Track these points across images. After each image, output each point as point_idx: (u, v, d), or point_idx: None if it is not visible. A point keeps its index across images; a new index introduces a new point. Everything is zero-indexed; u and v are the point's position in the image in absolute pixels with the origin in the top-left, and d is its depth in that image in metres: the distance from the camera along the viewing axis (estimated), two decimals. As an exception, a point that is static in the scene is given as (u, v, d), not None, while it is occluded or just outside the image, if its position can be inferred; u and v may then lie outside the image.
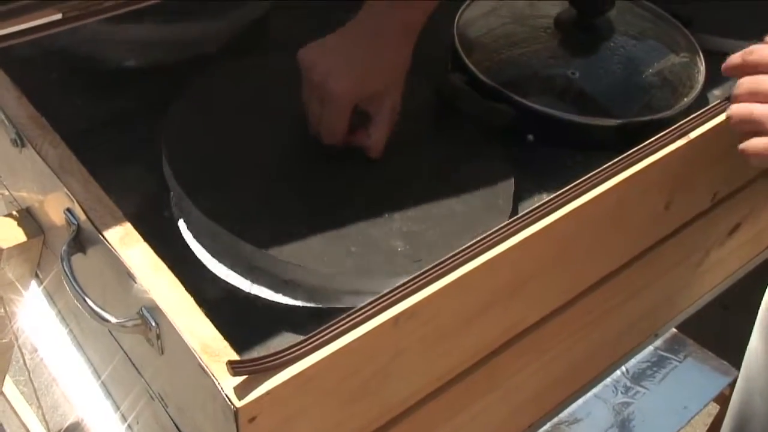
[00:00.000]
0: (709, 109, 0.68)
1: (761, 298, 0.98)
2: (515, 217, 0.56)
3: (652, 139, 0.64)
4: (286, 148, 0.71)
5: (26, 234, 0.71)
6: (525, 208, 0.70)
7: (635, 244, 0.72)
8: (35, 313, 0.82)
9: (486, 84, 0.77)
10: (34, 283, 0.78)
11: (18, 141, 0.63)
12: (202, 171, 0.66)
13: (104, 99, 0.77)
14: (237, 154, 0.69)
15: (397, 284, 0.51)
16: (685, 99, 0.78)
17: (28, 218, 0.72)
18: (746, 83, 0.63)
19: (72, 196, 0.58)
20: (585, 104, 0.77)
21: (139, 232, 0.56)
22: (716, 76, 0.83)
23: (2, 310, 0.82)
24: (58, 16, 0.71)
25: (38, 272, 0.77)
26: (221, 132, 0.71)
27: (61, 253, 0.59)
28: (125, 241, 0.55)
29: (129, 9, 0.72)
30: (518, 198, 0.72)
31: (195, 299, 0.52)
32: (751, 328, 0.98)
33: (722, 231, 0.84)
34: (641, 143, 0.65)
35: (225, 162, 0.68)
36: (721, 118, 0.67)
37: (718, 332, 1.18)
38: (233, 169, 0.68)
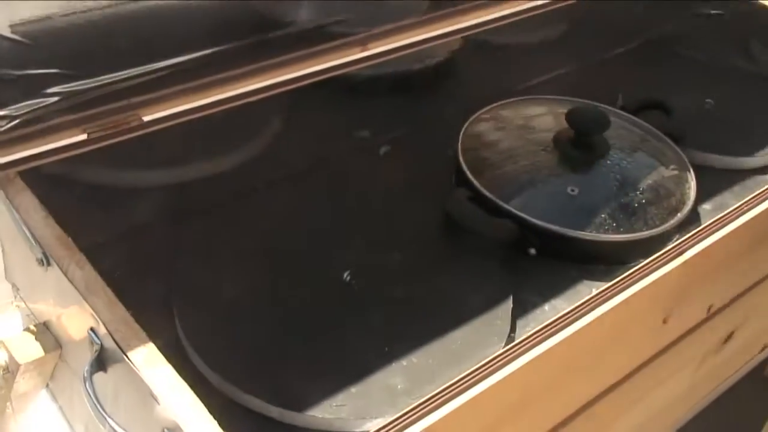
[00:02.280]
0: (702, 228, 0.72)
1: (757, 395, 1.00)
2: (508, 347, 0.59)
3: (649, 259, 0.67)
4: (288, 289, 0.73)
5: (44, 349, 0.73)
6: (528, 321, 0.73)
7: (634, 358, 0.74)
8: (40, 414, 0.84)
9: (490, 200, 0.80)
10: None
11: (44, 261, 0.66)
12: (211, 329, 0.68)
13: (124, 213, 0.80)
14: (240, 303, 0.71)
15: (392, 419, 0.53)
16: (678, 214, 0.82)
17: (46, 332, 0.74)
18: None
19: (97, 317, 0.61)
20: (584, 220, 0.80)
21: (161, 352, 0.58)
22: (706, 191, 0.88)
23: (9, 410, 0.83)
24: (84, 136, 0.74)
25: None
26: (226, 282, 0.73)
27: (84, 373, 0.61)
28: (149, 362, 0.57)
29: (155, 129, 0.76)
30: (522, 311, 0.74)
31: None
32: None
33: (717, 340, 0.86)
34: (637, 257, 0.69)
35: (230, 313, 0.70)
36: (715, 236, 0.71)
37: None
38: (238, 319, 0.70)
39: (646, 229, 0.80)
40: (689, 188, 0.86)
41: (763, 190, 0.76)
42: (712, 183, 0.91)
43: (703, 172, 0.90)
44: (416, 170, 0.89)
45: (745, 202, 0.74)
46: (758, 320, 0.92)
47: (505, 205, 0.80)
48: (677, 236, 0.81)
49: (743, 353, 0.97)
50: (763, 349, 1.01)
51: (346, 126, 0.95)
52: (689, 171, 0.88)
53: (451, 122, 0.92)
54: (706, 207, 0.88)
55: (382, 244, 0.79)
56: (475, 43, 1.04)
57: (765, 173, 0.94)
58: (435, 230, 0.82)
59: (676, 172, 0.88)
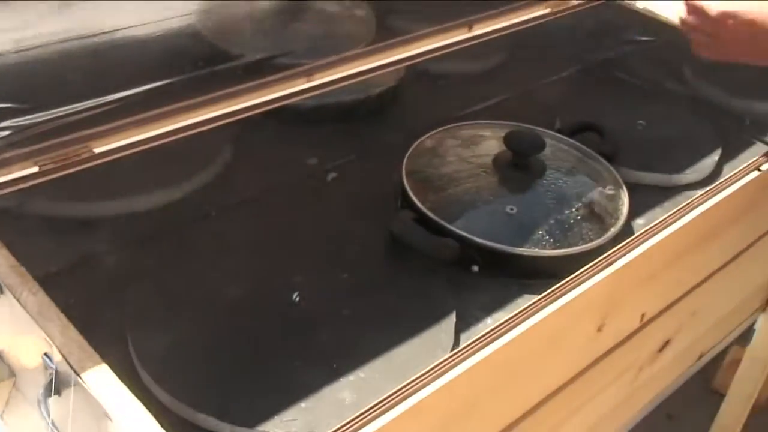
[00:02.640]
0: (631, 240, 0.76)
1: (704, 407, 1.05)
2: (449, 355, 0.62)
3: (581, 270, 0.71)
4: (239, 311, 0.76)
5: (-1, 377, 0.74)
6: (470, 335, 0.76)
7: (573, 365, 0.78)
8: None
9: (433, 221, 0.84)
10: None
11: (-2, 289, 0.68)
12: (164, 351, 0.70)
13: (76, 242, 0.82)
14: (192, 326, 0.74)
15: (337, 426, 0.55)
16: (612, 229, 0.86)
17: None
18: None
19: (50, 341, 0.62)
20: (523, 237, 0.84)
21: (115, 373, 0.60)
22: (639, 207, 0.92)
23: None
24: (35, 169, 0.76)
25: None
26: (178, 305, 0.76)
27: (39, 396, 0.62)
28: (103, 383, 0.59)
29: (106, 160, 0.78)
30: (465, 325, 0.78)
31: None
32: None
33: (653, 348, 0.90)
34: (574, 271, 0.72)
35: (182, 335, 0.72)
36: (642, 247, 0.75)
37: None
38: (190, 341, 0.72)
39: (582, 244, 0.84)
40: (622, 204, 0.90)
41: (688, 203, 0.81)
42: (645, 199, 0.96)
43: (636, 189, 0.95)
44: (363, 194, 0.93)
45: (671, 215, 0.78)
46: (692, 329, 0.96)
47: (448, 225, 0.83)
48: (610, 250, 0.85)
49: (680, 362, 1.01)
50: (699, 358, 1.06)
51: (295, 154, 0.98)
52: (622, 188, 0.93)
53: (396, 148, 0.96)
54: (639, 221, 0.93)
55: (330, 266, 0.82)
56: (418, 71, 1.08)
57: (694, 188, 0.99)
58: (381, 251, 0.85)
59: (610, 189, 0.93)
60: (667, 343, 0.92)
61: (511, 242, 0.83)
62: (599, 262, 0.72)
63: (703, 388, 1.69)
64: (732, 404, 1.33)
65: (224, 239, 0.84)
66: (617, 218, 0.88)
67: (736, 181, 0.85)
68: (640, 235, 0.75)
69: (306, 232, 0.86)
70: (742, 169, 0.86)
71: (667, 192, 0.98)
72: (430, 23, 1.06)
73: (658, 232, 0.76)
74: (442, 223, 0.84)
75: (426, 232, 0.82)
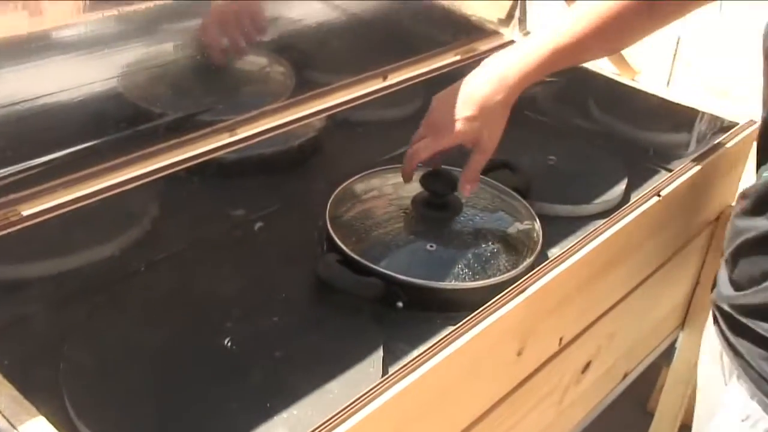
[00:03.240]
0: (542, 267, 0.81)
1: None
2: (375, 383, 0.65)
3: (495, 298, 0.76)
4: (173, 360, 0.78)
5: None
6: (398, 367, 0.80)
7: (496, 389, 0.82)
8: None
9: (357, 261, 0.88)
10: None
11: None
12: (99, 403, 0.72)
13: (8, 303, 0.83)
14: (127, 377, 0.76)
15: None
16: (527, 259, 0.91)
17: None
18: None
19: (-14, 399, 0.64)
20: (443, 272, 0.89)
21: (52, 425, 0.62)
22: (553, 237, 0.98)
23: None
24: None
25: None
26: (113, 358, 0.77)
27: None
28: (39, 436, 0.61)
29: (34, 222, 0.80)
30: (393, 358, 0.81)
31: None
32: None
33: (575, 370, 0.95)
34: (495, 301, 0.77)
35: (117, 386, 0.74)
36: (553, 273, 0.80)
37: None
38: (125, 392, 0.74)
39: (499, 275, 0.89)
40: (536, 236, 0.96)
41: (593, 231, 0.86)
42: (558, 230, 1.01)
43: (549, 221, 1.00)
44: (289, 241, 0.96)
45: (578, 242, 0.84)
46: (613, 350, 1.02)
47: (371, 265, 0.87)
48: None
49: (605, 383, 1.06)
50: (624, 377, 1.11)
51: (222, 206, 1.01)
52: (535, 221, 0.98)
53: (319, 195, 1.00)
54: (553, 250, 0.98)
55: (260, 311, 0.85)
56: (338, 121, 1.13)
57: (603, 217, 1.05)
58: (310, 294, 0.88)
59: (524, 222, 0.98)
60: (588, 364, 0.97)
61: (432, 278, 0.88)
62: (512, 289, 0.76)
63: (639, 410, 1.74)
64: (661, 424, 1.38)
65: (154, 292, 0.86)
66: (532, 249, 0.93)
67: (637, 207, 0.91)
68: (549, 262, 0.80)
69: (236, 280, 0.89)
70: (643, 196, 0.92)
71: (579, 222, 1.04)
72: (347, 75, 1.11)
73: (566, 259, 0.81)
74: (366, 263, 0.88)
75: (351, 273, 0.86)
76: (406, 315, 0.87)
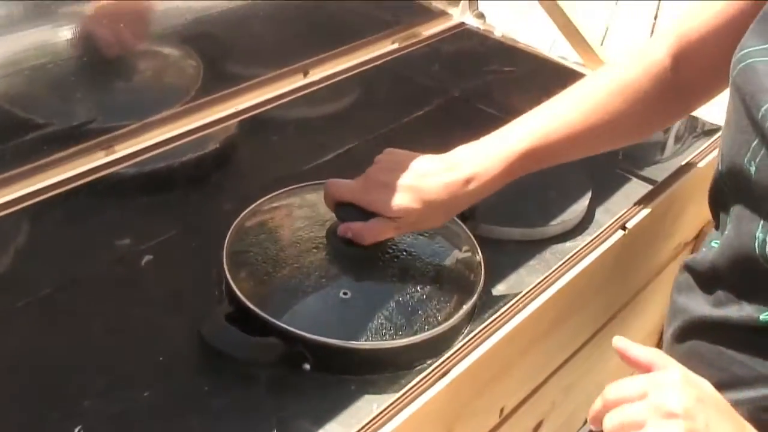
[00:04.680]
0: (479, 332, 0.65)
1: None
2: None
3: (422, 376, 0.60)
4: None
5: None
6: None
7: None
8: None
9: (255, 315, 0.71)
10: None
11: None
12: None
13: None
14: None
15: None
16: (464, 307, 0.75)
17: None
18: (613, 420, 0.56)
19: None
20: (359, 327, 0.73)
21: None
22: (498, 271, 0.81)
23: None
24: None
25: None
26: None
27: None
28: None
29: None
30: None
31: None
32: None
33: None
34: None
35: None
36: (490, 342, 0.64)
37: None
38: None
39: (428, 329, 0.73)
40: (476, 274, 0.79)
41: (543, 280, 0.70)
42: (506, 259, 0.85)
43: (496, 248, 0.84)
44: (181, 281, 0.80)
45: (522, 297, 0.68)
46: (569, 402, 0.86)
47: (271, 320, 0.71)
48: (466, 327, 0.75)
49: (562, 434, 0.91)
50: (584, 424, 0.96)
51: (104, 234, 0.84)
52: (477, 253, 0.82)
53: (224, 219, 0.84)
54: (499, 288, 0.82)
55: (130, 382, 0.69)
56: (252, 125, 0.95)
57: (561, 241, 0.89)
58: (195, 356, 0.72)
59: (463, 253, 0.82)
60: (540, 424, 0.82)
61: (345, 334, 0.71)
62: (436, 369, 0.61)
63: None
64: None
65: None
66: (470, 291, 0.77)
67: (598, 245, 0.75)
68: (485, 327, 0.64)
69: (106, 337, 0.73)
70: (605, 230, 0.76)
71: (532, 247, 0.88)
72: (259, 71, 0.94)
73: (506, 322, 0.65)
74: (265, 316, 0.71)
75: (243, 336, 0.69)
76: (312, 379, 0.71)
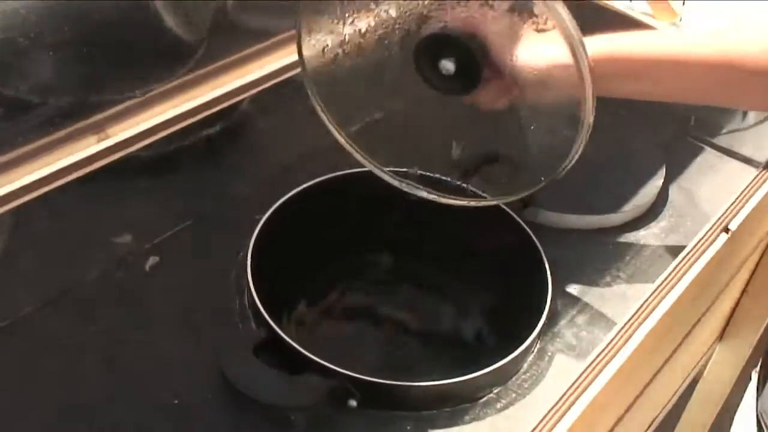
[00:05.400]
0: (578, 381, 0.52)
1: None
2: None
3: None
4: None
5: None
6: None
7: None
8: None
9: (289, 347, 0.59)
10: None
11: None
12: None
13: None
14: None
15: None
16: (533, 331, 0.62)
17: None
18: None
19: None
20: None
21: None
22: (563, 265, 0.69)
23: None
24: None
25: None
26: None
27: None
28: None
29: None
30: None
31: None
32: None
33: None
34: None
35: None
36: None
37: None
38: None
39: (493, 361, 0.60)
40: (544, 283, 0.66)
41: (633, 317, 0.57)
42: (569, 255, 0.72)
43: (554, 239, 0.72)
44: (194, 289, 0.67)
45: (615, 340, 0.55)
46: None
47: (314, 358, 0.58)
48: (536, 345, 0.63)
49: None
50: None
51: (100, 230, 0.71)
52: (543, 263, 0.68)
53: (242, 208, 0.71)
54: (571, 292, 0.69)
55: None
56: (270, 94, 0.81)
57: (630, 229, 0.76)
58: (217, 396, 0.59)
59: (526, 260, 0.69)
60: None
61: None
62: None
63: None
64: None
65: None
66: (539, 304, 0.65)
67: (698, 257, 0.62)
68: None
69: (102, 374, 0.60)
70: (705, 236, 0.63)
71: (602, 237, 0.76)
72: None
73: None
74: (306, 354, 0.58)
75: (274, 375, 0.57)
76: (362, 418, 0.59)
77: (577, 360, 0.65)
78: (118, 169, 0.70)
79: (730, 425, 1.10)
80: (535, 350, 0.65)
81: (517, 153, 0.69)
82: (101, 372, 0.60)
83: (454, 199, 0.67)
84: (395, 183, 0.67)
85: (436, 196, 0.67)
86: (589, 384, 0.55)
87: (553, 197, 0.76)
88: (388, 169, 0.67)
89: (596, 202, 0.78)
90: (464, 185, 0.70)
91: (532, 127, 0.64)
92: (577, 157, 0.60)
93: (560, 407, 0.53)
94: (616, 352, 0.57)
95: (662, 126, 0.89)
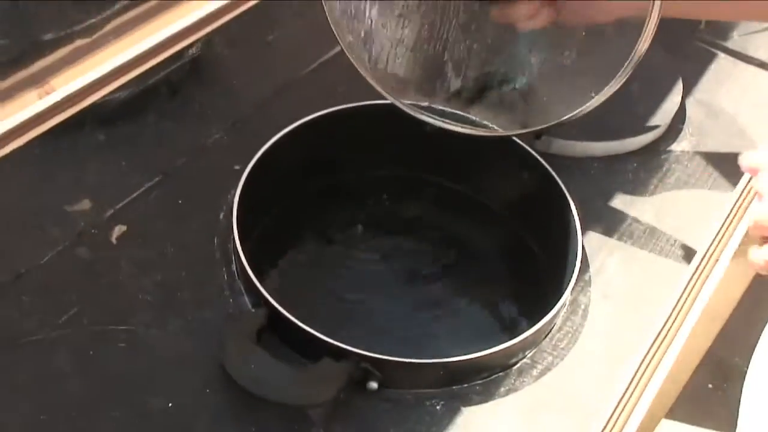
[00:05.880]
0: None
1: None
2: None
3: None
4: None
5: None
6: None
7: None
8: None
9: (296, 328, 0.50)
10: None
11: None
12: None
13: None
14: None
15: None
16: (566, 290, 0.55)
17: None
18: None
19: None
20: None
21: None
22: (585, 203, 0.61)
23: None
24: None
25: None
26: None
27: None
28: None
29: None
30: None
31: None
32: None
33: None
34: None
35: None
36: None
37: None
38: None
39: (525, 327, 0.53)
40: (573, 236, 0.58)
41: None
42: (592, 187, 0.65)
43: (568, 168, 0.64)
44: (170, 267, 0.57)
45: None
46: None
47: (332, 341, 0.50)
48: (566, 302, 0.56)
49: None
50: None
51: (53, 200, 0.60)
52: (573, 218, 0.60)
53: (218, 162, 0.61)
54: (596, 234, 0.62)
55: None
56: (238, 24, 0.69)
57: (654, 151, 0.69)
58: (210, 394, 0.50)
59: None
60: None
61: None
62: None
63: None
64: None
65: None
66: (568, 257, 0.57)
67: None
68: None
69: (73, 372, 0.51)
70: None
71: (619, 164, 0.68)
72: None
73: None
74: (320, 336, 0.50)
75: (283, 369, 0.48)
76: (383, 401, 0.51)
77: (615, 311, 0.58)
78: (68, 124, 0.59)
79: None
80: (567, 303, 0.58)
81: (535, 80, 0.60)
82: (75, 374, 0.50)
83: (471, 129, 0.58)
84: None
85: (454, 126, 0.59)
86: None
87: (566, 124, 0.67)
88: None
89: (612, 125, 0.70)
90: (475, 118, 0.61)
91: (565, 53, 0.55)
92: (616, 88, 0.52)
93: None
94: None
95: (670, 31, 0.80)
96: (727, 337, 0.72)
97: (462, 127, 0.59)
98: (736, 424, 0.50)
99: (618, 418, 0.52)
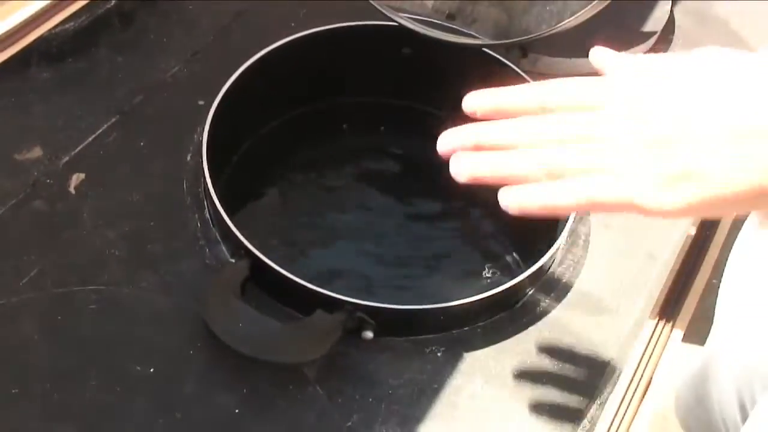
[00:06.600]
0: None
1: None
2: None
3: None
4: None
5: None
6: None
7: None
8: None
9: (282, 277, 0.46)
10: None
11: None
12: None
13: None
14: None
15: None
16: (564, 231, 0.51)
17: None
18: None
19: None
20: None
21: None
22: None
23: None
24: None
25: None
26: None
27: None
28: None
29: None
30: None
31: None
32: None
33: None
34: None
35: None
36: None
37: None
38: None
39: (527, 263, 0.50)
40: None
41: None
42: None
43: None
44: (137, 217, 0.52)
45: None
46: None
47: (325, 292, 0.46)
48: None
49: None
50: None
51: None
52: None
53: (181, 97, 0.56)
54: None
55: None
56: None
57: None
58: (193, 356, 0.46)
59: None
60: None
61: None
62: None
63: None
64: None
65: None
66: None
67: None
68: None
69: (42, 339, 0.46)
70: None
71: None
72: None
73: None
74: (311, 287, 0.46)
75: (274, 326, 0.44)
76: (379, 350, 0.48)
77: (615, 242, 0.55)
78: (10, 64, 0.53)
79: None
80: (567, 235, 0.54)
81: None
82: (43, 342, 0.46)
83: (454, 36, 0.54)
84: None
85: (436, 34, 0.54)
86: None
87: (551, 40, 0.62)
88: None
89: (599, 40, 0.65)
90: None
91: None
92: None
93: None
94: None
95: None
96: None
97: (445, 35, 0.55)
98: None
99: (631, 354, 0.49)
